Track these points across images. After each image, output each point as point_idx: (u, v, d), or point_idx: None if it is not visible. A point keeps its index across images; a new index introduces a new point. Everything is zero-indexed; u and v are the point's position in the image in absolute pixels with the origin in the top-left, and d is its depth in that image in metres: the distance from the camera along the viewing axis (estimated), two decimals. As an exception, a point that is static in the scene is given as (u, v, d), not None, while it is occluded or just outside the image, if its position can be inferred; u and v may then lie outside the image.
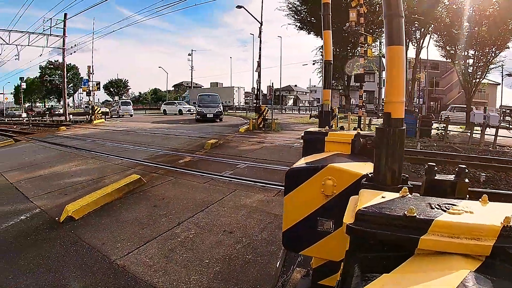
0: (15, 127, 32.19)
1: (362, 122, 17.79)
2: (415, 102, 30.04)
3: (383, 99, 36.30)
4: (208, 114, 25.98)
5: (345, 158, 2.68)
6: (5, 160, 10.45)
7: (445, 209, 1.14)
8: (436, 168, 1.65)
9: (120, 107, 38.32)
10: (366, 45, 17.40)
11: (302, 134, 3.34)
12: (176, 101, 48.01)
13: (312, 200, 2.35)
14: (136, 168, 8.45)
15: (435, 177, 1.63)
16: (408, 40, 22.01)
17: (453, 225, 1.03)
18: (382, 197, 1.34)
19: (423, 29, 25.51)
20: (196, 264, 3.52)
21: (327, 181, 2.24)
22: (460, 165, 1.60)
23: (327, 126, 3.73)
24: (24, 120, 40.96)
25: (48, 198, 6.05)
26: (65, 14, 29.83)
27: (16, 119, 52.38)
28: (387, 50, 1.83)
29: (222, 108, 28.31)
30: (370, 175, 1.97)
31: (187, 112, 38.46)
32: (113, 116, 37.17)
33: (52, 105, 79.72)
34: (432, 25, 24.56)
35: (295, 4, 29.58)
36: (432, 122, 17.27)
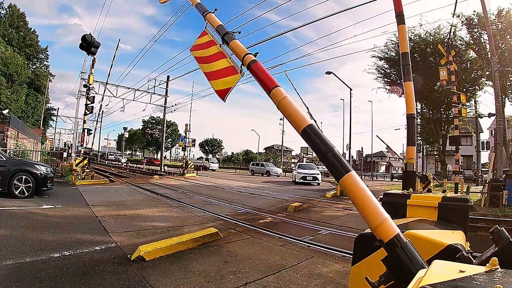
0: (113, 169, 35.96)
1: (459, 190, 16.01)
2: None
3: (482, 164, 32.20)
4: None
5: (429, 224, 2.37)
6: (97, 196, 11.57)
7: None
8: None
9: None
10: (460, 105, 16.20)
11: (381, 196, 2.99)
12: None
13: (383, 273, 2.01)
14: (216, 222, 8.55)
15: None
16: (504, 96, 19.73)
17: None
18: (461, 271, 1.02)
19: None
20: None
21: None
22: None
23: (411, 188, 3.34)
24: (123, 165, 45.60)
25: (126, 236, 6.37)
26: (168, 76, 33.86)
27: (115, 163, 58.90)
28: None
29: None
30: (455, 247, 1.62)
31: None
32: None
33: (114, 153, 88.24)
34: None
35: (383, 67, 29.23)
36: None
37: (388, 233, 1.37)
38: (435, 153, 35.75)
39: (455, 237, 1.86)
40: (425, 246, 1.78)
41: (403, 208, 2.65)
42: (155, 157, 78.19)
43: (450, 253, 1.68)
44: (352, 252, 6.02)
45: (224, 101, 2.65)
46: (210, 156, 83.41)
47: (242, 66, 2.41)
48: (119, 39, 23.85)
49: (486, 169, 31.71)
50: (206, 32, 3.02)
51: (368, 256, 2.09)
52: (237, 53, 2.45)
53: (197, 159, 61.76)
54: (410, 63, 4.30)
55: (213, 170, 50.77)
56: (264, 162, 51.21)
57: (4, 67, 36.31)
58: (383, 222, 1.39)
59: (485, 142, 29.67)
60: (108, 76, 25.92)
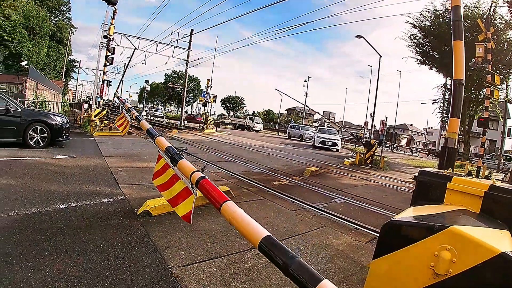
0: (133, 122, 36.41)
1: (480, 174, 15.56)
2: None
3: (505, 151, 31.63)
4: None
5: (473, 219, 1.99)
6: (113, 148, 11.66)
7: None
8: None
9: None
10: (493, 85, 15.34)
11: (416, 174, 2.65)
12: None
13: (413, 274, 1.69)
14: (229, 180, 8.46)
15: None
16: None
17: None
18: None
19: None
20: (252, 301, 3.09)
21: (443, 252, 1.59)
22: None
23: (450, 169, 2.94)
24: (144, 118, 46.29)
25: (136, 189, 6.34)
26: (192, 30, 33.40)
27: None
28: None
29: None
30: (510, 256, 1.37)
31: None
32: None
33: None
34: None
35: (417, 36, 27.83)
36: None
37: None
38: (459, 133, 34.55)
39: (505, 241, 1.56)
40: (472, 249, 1.52)
41: (440, 191, 2.31)
42: (186, 111, 78.13)
43: (502, 263, 1.41)
44: (364, 225, 5.75)
45: (191, 224, 2.50)
46: (231, 113, 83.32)
47: (192, 186, 2.30)
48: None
49: (508, 155, 30.82)
50: (161, 156, 3.04)
51: (398, 251, 1.77)
52: (185, 172, 2.35)
53: (218, 115, 58.39)
54: (462, 19, 3.78)
55: (256, 131, 47.74)
56: (299, 125, 46.02)
57: (25, 20, 36.19)
58: None
59: (511, 129, 28.14)
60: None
